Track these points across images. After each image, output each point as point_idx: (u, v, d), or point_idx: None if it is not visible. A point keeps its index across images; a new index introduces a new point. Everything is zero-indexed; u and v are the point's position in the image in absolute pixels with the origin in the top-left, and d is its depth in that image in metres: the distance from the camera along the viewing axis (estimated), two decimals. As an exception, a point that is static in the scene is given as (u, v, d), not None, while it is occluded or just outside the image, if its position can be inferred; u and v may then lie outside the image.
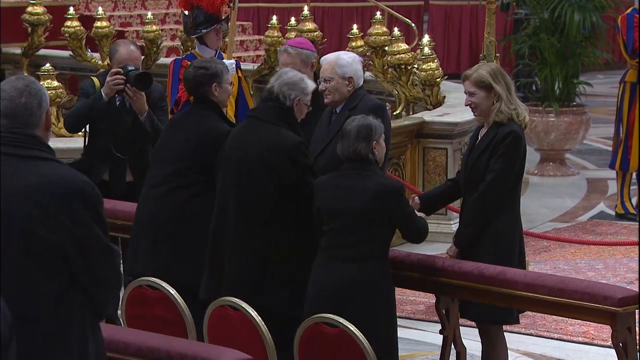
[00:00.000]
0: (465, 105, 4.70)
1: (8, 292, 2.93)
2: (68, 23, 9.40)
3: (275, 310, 4.23)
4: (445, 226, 7.59)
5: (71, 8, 9.76)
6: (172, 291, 4.18)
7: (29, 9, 9.56)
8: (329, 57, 4.92)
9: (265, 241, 4.35)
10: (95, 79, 5.59)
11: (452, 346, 4.56)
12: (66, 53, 9.71)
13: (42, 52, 9.74)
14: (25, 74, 9.45)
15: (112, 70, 5.39)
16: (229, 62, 6.02)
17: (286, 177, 4.34)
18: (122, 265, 3.94)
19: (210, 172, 4.59)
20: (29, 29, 9.58)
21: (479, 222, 4.54)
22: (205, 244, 4.49)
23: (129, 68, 5.35)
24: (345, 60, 4.84)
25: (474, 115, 4.72)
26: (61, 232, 2.94)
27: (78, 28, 9.41)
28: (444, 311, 4.51)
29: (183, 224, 4.60)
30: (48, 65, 7.69)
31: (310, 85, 4.54)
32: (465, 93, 4.65)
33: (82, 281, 3.00)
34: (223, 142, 4.56)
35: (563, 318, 5.81)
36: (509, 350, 4.76)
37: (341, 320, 3.95)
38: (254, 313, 4.00)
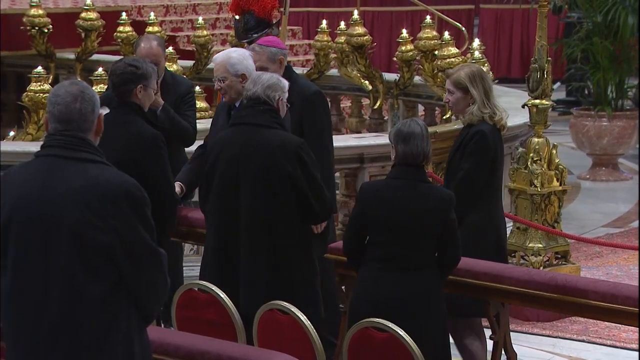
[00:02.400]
0: (444, 102, 4.91)
1: (54, 295, 2.96)
2: (120, 28, 9.50)
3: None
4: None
5: (124, 13, 9.87)
6: (222, 294, 4.20)
7: (83, 14, 9.68)
8: (219, 57, 5.01)
9: (283, 245, 4.37)
10: None
11: (503, 352, 4.53)
12: (118, 58, 9.80)
13: (95, 57, 9.86)
14: (79, 79, 9.59)
15: None
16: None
17: (296, 177, 4.35)
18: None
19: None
20: (83, 35, 9.70)
21: None
22: None
23: None
24: (236, 59, 4.92)
25: (451, 112, 4.85)
26: (109, 234, 2.95)
27: (130, 33, 9.50)
28: (494, 316, 4.48)
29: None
30: (101, 69, 7.77)
31: (286, 83, 4.60)
32: (445, 90, 4.83)
33: (129, 284, 3.01)
34: (152, 145, 4.60)
35: (616, 324, 5.74)
36: (559, 357, 4.71)
37: (390, 324, 3.94)
38: (303, 317, 4.01)
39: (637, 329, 5.26)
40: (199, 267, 4.97)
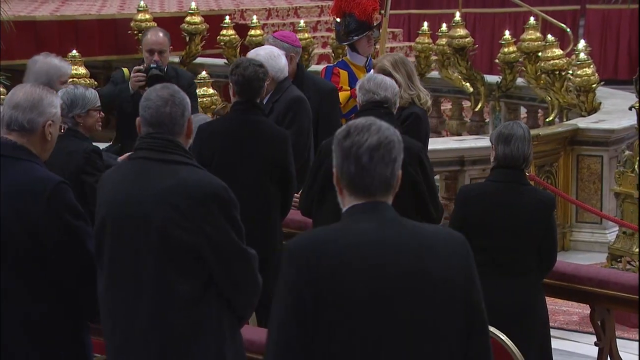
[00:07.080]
0: None
1: (145, 293, 3.00)
2: (224, 32, 9.65)
3: None
4: (600, 235, 7.38)
5: (227, 17, 10.02)
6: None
7: (188, 18, 9.87)
8: (249, 55, 5.07)
9: None
10: (125, 70, 5.66)
11: (609, 359, 4.43)
12: (221, 61, 9.96)
13: (199, 60, 10.03)
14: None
15: (135, 67, 5.51)
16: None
17: (417, 181, 4.35)
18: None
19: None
20: (187, 38, 9.88)
21: None
22: None
23: (152, 66, 5.44)
24: (262, 57, 4.95)
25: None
26: (196, 235, 2.97)
27: (233, 36, 9.64)
28: (599, 322, 4.39)
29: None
30: (204, 72, 7.89)
31: None
32: None
33: (218, 284, 3.01)
34: (287, 142, 4.61)
35: None
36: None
37: (493, 330, 3.89)
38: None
39: None
40: None
